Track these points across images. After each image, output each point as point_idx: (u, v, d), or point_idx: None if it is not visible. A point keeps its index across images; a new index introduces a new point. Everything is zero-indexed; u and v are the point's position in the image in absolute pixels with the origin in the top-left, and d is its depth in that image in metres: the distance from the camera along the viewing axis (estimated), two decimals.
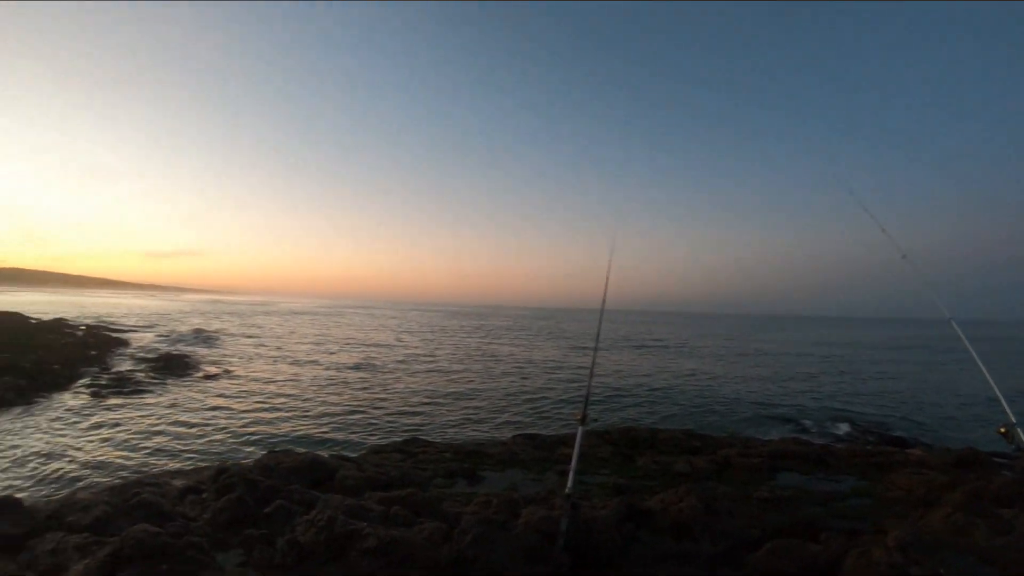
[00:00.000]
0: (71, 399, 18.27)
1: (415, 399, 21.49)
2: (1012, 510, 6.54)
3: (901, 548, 4.67)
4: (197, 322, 64.09)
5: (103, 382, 20.78)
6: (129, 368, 24.52)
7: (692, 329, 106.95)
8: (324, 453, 10.49)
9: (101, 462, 12.09)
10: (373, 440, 14.92)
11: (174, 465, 11.91)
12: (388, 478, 7.74)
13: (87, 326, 43.80)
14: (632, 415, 19.64)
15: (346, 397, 21.44)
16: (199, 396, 20.21)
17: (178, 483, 8.37)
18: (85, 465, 11.83)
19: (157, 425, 15.48)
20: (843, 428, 18.88)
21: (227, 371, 26.72)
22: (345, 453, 11.92)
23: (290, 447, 12.70)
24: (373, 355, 37.83)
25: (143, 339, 40.34)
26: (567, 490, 4.56)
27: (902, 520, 6.75)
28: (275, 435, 15.33)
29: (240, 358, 32.74)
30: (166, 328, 51.64)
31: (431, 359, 36.62)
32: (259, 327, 62.55)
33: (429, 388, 24.35)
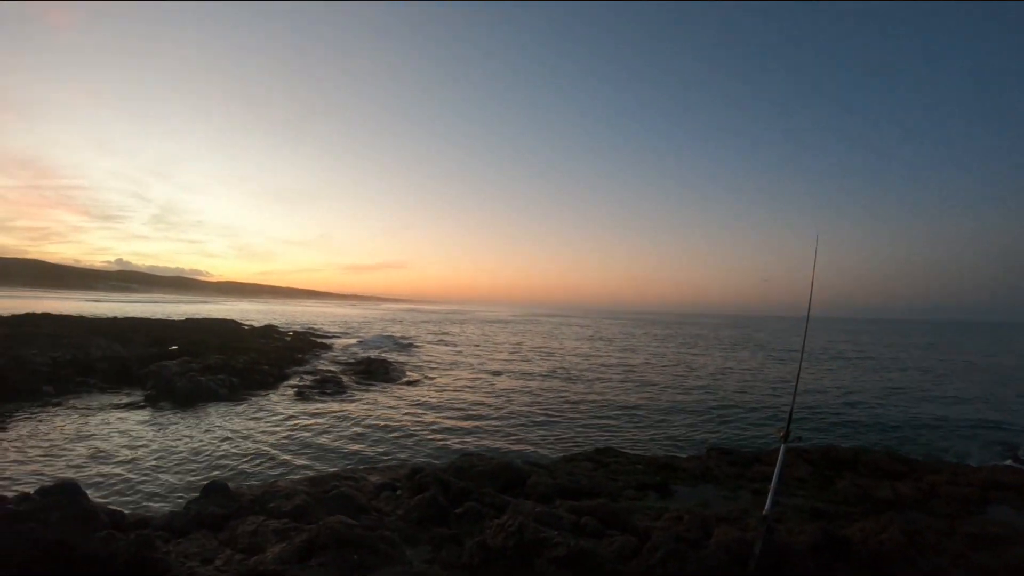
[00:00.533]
0: (277, 397, 20.44)
1: (608, 409, 21.08)
2: None
3: None
4: (395, 329, 67.81)
5: (307, 383, 22.67)
6: (332, 371, 26.57)
7: (897, 337, 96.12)
8: (516, 459, 10.92)
9: (302, 455, 13.39)
10: (565, 448, 14.94)
11: (372, 462, 12.88)
12: (579, 487, 7.92)
13: (294, 332, 48.66)
14: (832, 433, 18.10)
15: (539, 405, 21.56)
16: (397, 399, 21.45)
17: (374, 479, 9.21)
18: (287, 457, 13.11)
19: (356, 425, 16.78)
20: None
21: (424, 377, 28.00)
22: (537, 460, 12.22)
23: (482, 451, 13.20)
24: (566, 364, 37.66)
25: (345, 345, 43.69)
26: (765, 511, 4.35)
27: None
28: (469, 439, 15.91)
29: (436, 365, 34.13)
30: (366, 335, 55.28)
31: (624, 368, 35.69)
32: (454, 335, 64.71)
33: (622, 398, 23.74)
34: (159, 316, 48.53)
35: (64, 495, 5.81)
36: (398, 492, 7.90)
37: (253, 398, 19.78)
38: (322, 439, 14.91)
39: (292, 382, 23.30)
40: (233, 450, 13.36)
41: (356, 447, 14.42)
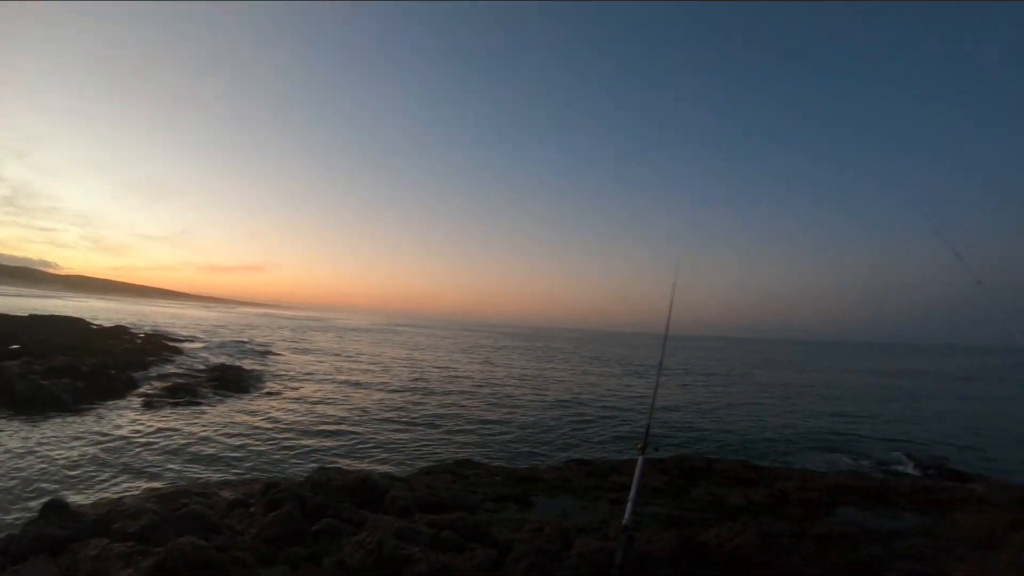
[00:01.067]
0: (125, 404, 18.61)
1: (467, 421, 21.25)
2: None
3: None
4: (252, 335, 65.04)
5: (158, 390, 21.07)
6: (183, 378, 24.78)
7: (751, 355, 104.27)
8: (375, 472, 10.49)
9: (150, 470, 12.19)
10: (424, 461, 14.72)
11: (224, 477, 11.97)
12: (438, 500, 7.65)
13: (146, 334, 44.97)
14: (687, 445, 19.12)
15: (398, 417, 21.28)
16: (251, 409, 20.33)
17: (227, 495, 8.47)
18: (135, 471, 11.93)
19: (208, 436, 15.64)
20: (904, 461, 18.05)
21: (281, 386, 26.83)
22: (396, 473, 11.88)
23: (341, 465, 12.75)
24: (426, 375, 37.64)
25: (198, 349, 41.20)
26: (624, 521, 4.35)
27: (963, 563, 6.49)
28: (326, 452, 15.31)
29: (293, 374, 32.95)
30: (221, 340, 52.53)
31: (484, 381, 36.26)
32: (313, 343, 62.66)
33: (481, 410, 24.03)
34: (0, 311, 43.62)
35: None
36: (252, 509, 7.26)
37: (99, 405, 17.99)
38: (172, 452, 13.60)
39: (142, 389, 21.25)
40: (76, 463, 11.95)
41: (208, 461, 13.33)
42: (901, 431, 24.32)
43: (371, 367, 40.93)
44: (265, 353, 43.88)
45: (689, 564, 5.06)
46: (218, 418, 18.18)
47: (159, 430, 15.66)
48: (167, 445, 14.27)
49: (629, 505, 4.46)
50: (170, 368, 28.29)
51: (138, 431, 15.34)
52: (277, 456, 14.53)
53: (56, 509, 6.14)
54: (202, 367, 29.18)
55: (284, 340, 63.41)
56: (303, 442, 16.24)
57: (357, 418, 20.51)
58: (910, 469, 16.81)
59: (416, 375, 37.17)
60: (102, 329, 42.06)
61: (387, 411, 22.38)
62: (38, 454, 12.35)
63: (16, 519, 8.08)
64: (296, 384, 28.40)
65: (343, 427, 18.80)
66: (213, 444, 14.89)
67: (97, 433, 14.73)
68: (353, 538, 4.98)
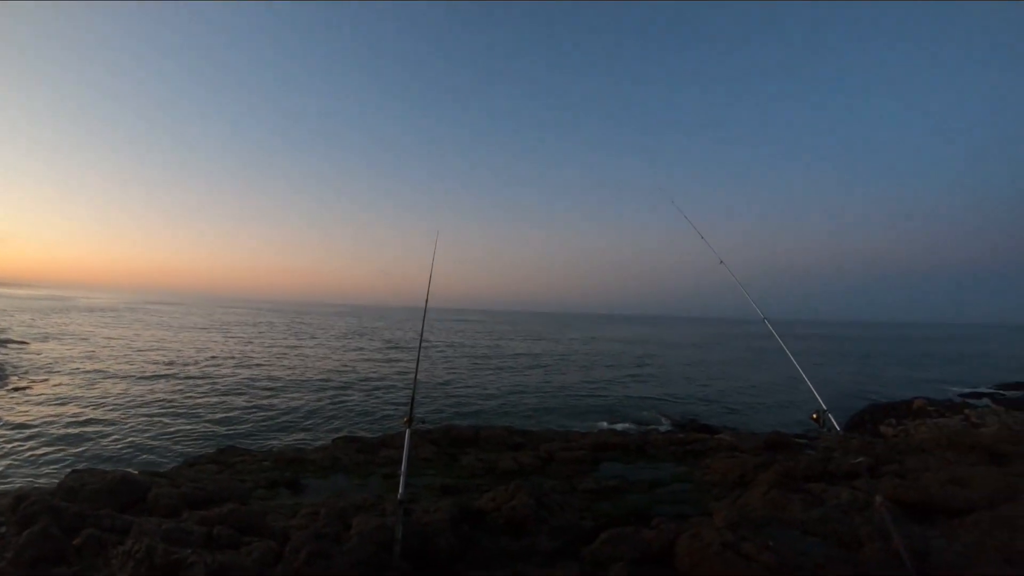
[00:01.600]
0: None
1: (227, 405, 20.49)
2: (820, 484, 7.64)
3: (730, 527, 5.13)
4: None
5: None
6: None
7: (509, 327, 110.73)
8: (133, 470, 9.69)
9: None
10: (186, 451, 13.89)
11: None
12: (206, 493, 7.08)
13: None
14: (452, 415, 19.96)
15: (154, 406, 20.00)
16: None
17: None
18: None
19: None
20: (659, 418, 20.78)
21: (21, 380, 23.53)
22: (157, 468, 10.95)
23: (95, 466, 11.55)
24: (184, 358, 35.53)
25: None
26: (399, 495, 4.46)
27: (723, 501, 7.37)
28: (79, 452, 13.84)
29: (36, 365, 29.01)
30: None
31: (243, 361, 34.83)
32: (58, 327, 55.95)
33: (242, 392, 23.28)
34: None
35: None
36: (3, 529, 6.37)
37: None
38: None
39: None
40: None
41: None
42: (652, 392, 27.79)
43: (124, 353, 37.68)
44: (2, 341, 38.20)
45: (469, 530, 5.34)
46: None
47: None
48: None
49: (402, 479, 4.58)
50: None
51: None
52: (23, 461, 12.94)
53: None
54: None
55: (22, 325, 56.14)
56: (51, 442, 14.61)
57: (111, 412, 18.90)
58: (664, 425, 19.28)
59: (173, 359, 35.03)
60: None
61: (144, 402, 21.00)
62: None
63: None
64: (40, 375, 25.42)
65: (95, 422, 17.23)
66: None
67: None
68: (120, 548, 4.56)
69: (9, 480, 11.45)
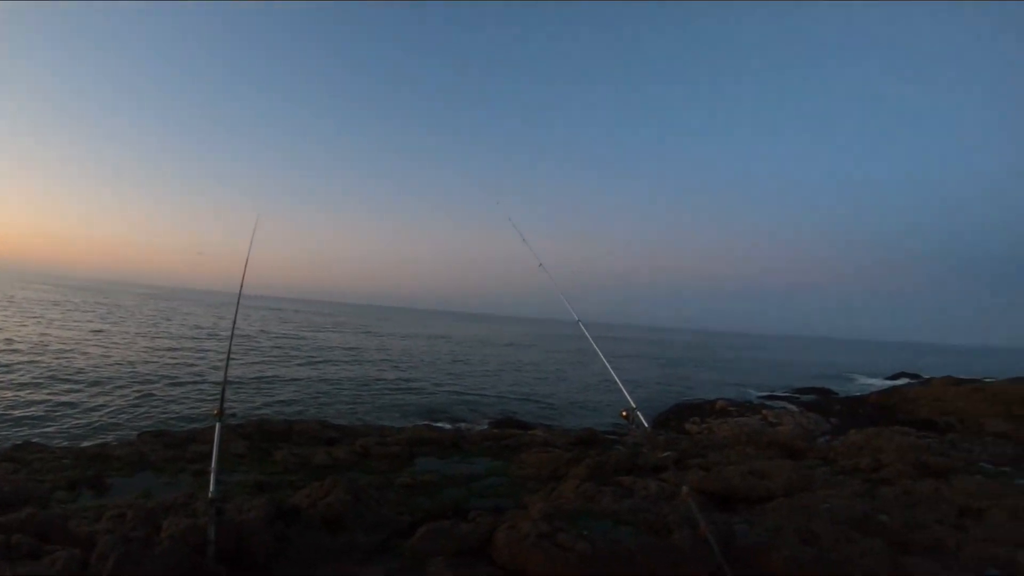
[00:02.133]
0: None
1: (22, 401, 17.42)
2: (630, 477, 8.30)
3: (545, 518, 5.24)
4: None
5: None
6: None
7: (330, 319, 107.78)
8: None
9: None
10: None
11: None
12: (1, 495, 6.09)
13: None
14: (263, 407, 18.92)
15: None
16: None
17: None
18: None
19: None
20: (472, 414, 21.32)
21: None
22: None
23: None
24: None
25: None
26: (211, 494, 4.12)
27: (538, 494, 7.59)
28: None
29: None
30: None
31: (30, 347, 29.97)
32: None
33: (31, 381, 20.02)
34: None
35: None
36: None
37: None
38: None
39: None
40: None
41: None
42: (467, 388, 28.40)
43: None
44: None
45: (285, 527, 5.01)
46: None
47: None
48: None
49: (212, 476, 4.24)
50: None
51: None
52: None
53: None
54: None
55: None
56: None
57: None
58: (479, 422, 19.78)
59: None
60: None
61: None
62: None
63: None
64: None
65: None
66: None
67: None
68: None
69: None
